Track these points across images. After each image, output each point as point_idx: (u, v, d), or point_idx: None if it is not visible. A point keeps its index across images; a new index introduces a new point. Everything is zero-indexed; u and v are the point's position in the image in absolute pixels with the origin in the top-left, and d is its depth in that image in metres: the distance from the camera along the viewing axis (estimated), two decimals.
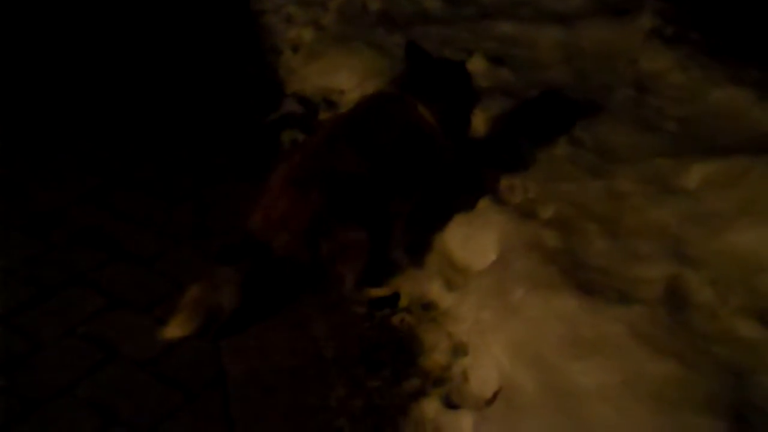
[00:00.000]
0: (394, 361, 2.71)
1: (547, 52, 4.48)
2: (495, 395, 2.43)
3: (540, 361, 2.39)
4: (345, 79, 4.39)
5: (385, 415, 2.51)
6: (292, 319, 2.90)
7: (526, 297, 2.59)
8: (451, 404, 2.49)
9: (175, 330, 2.71)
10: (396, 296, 2.95)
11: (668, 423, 2.14)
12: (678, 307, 2.52)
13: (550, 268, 2.71)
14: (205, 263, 2.95)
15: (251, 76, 4.73)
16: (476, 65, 4.18)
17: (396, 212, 3.00)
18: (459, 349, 2.69)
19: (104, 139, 4.07)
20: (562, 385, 2.30)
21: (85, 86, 4.63)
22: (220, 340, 2.77)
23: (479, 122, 3.70)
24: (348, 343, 2.79)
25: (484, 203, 3.16)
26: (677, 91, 3.98)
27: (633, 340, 2.37)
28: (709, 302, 2.55)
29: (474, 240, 3.02)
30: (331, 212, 2.80)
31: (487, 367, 2.51)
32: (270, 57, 4.98)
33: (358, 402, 2.55)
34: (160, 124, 4.22)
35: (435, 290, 2.92)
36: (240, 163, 3.83)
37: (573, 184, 3.22)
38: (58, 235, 3.32)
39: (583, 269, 2.72)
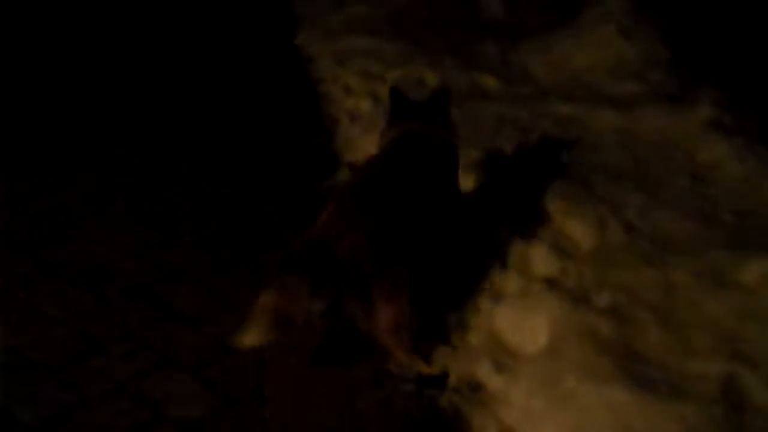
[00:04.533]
0: None
1: (603, 136, 4.49)
2: None
3: None
4: None
5: None
6: (340, 386, 2.89)
7: (578, 386, 2.56)
8: None
9: (250, 338, 2.66)
10: (444, 376, 2.92)
11: None
12: (734, 407, 2.47)
13: (603, 358, 2.68)
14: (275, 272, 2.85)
15: (309, 143, 4.79)
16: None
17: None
18: None
19: (162, 196, 4.14)
20: None
21: (148, 144, 4.73)
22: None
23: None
24: (394, 421, 2.76)
25: (536, 286, 3.15)
26: (734, 183, 3.96)
27: None
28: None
29: (525, 322, 2.99)
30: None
31: None
32: (328, 125, 5.06)
33: None
34: (220, 186, 4.29)
35: (484, 371, 2.89)
36: (295, 229, 3.86)
37: (628, 272, 3.19)
38: (111, 290, 3.36)
39: (637, 361, 2.68)
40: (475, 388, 2.87)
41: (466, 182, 3.92)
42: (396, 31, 6.48)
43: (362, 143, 4.66)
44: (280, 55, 6.34)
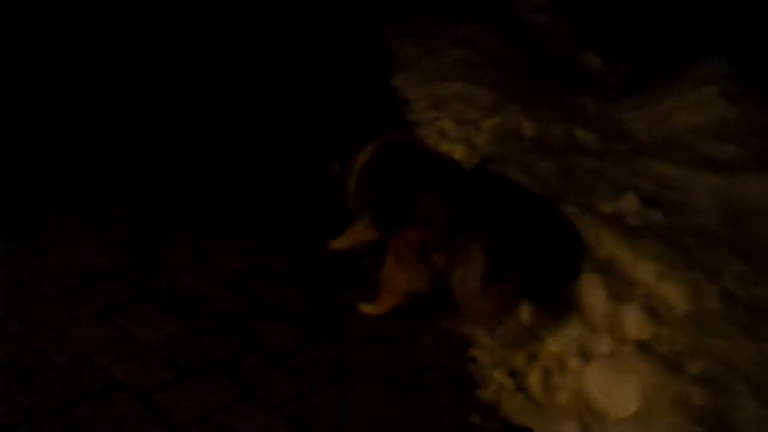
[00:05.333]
0: None
1: (703, 199, 4.39)
2: None
3: None
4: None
5: None
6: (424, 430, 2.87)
7: None
8: None
9: (378, 308, 3.47)
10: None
11: None
12: None
13: (695, 428, 2.60)
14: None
15: None
16: (628, 204, 4.14)
17: None
18: None
19: (254, 229, 4.21)
20: None
21: (241, 179, 4.84)
22: None
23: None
24: None
25: (628, 348, 3.08)
26: None
27: None
28: None
29: (615, 385, 2.92)
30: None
31: None
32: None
33: None
34: (310, 222, 4.33)
35: None
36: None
37: (724, 342, 3.09)
38: (200, 319, 3.41)
39: None
40: None
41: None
42: (491, 78, 6.48)
43: None
44: (376, 96, 6.39)
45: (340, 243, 4.03)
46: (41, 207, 4.28)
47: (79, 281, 3.63)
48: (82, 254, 3.86)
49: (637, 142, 5.14)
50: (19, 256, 3.81)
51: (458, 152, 5.11)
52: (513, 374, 3.17)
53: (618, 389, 2.90)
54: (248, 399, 2.96)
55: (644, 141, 5.15)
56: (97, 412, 2.83)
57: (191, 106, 6.00)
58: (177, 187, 4.63)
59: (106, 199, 4.44)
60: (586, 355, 3.13)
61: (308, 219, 4.38)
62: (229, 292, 3.63)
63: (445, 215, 3.34)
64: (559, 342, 3.27)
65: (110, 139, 5.29)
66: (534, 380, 3.12)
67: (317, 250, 4.02)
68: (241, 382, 3.04)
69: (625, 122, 5.53)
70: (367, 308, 3.54)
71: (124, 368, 3.07)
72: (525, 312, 3.38)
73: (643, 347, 3.09)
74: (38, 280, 3.62)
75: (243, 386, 3.02)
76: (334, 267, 3.89)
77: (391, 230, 3.55)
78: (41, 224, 4.11)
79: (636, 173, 4.65)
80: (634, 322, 3.26)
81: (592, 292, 3.46)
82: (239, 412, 2.88)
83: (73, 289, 3.57)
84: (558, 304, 3.47)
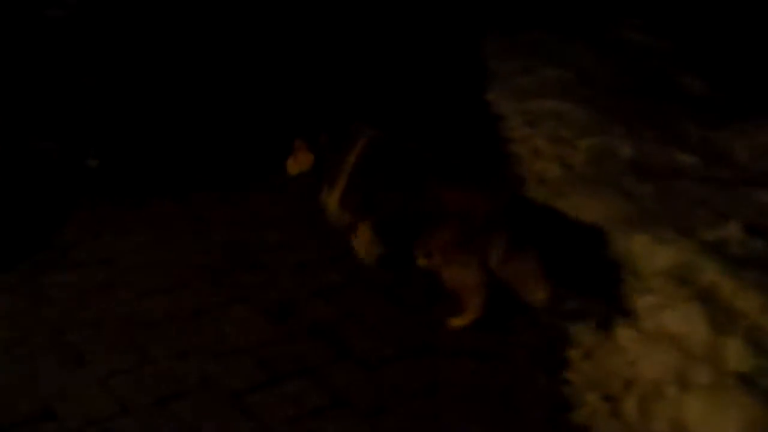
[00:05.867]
0: None
1: None
2: None
3: None
4: (589, 219, 4.34)
5: None
6: None
7: None
8: None
9: (466, 318, 3.48)
10: None
11: None
12: None
13: None
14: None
15: None
16: (730, 232, 4.03)
17: None
18: None
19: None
20: None
21: None
22: None
23: None
24: None
25: (729, 380, 2.99)
26: None
27: None
28: None
29: (715, 418, 2.83)
30: None
31: None
32: (514, 186, 5.03)
33: None
34: None
35: None
36: None
37: None
38: (293, 324, 3.45)
39: None
40: None
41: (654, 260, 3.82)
42: (588, 97, 6.39)
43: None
44: (469, 110, 6.37)
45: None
46: (141, 206, 4.40)
47: (177, 280, 3.71)
48: (180, 254, 3.96)
49: (741, 170, 5.00)
50: (118, 253, 3.92)
51: (552, 171, 5.07)
52: (608, 398, 3.10)
53: (718, 421, 2.82)
54: (339, 406, 2.97)
55: (750, 169, 5.00)
56: (192, 409, 2.89)
57: (292, 109, 6.06)
58: (275, 190, 4.67)
59: (205, 201, 4.54)
60: (684, 384, 3.05)
61: None
62: (322, 299, 3.66)
63: (484, 204, 3.46)
64: (655, 369, 3.19)
65: (212, 141, 5.39)
66: (629, 406, 3.05)
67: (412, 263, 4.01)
68: (332, 388, 3.06)
69: (727, 148, 5.38)
70: (456, 321, 3.52)
71: (218, 368, 3.12)
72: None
73: (745, 380, 3.00)
74: (137, 277, 3.72)
75: (334, 393, 3.03)
76: (427, 278, 3.88)
77: (402, 233, 3.64)
78: (141, 223, 4.23)
79: (739, 201, 4.52)
80: (735, 353, 3.15)
81: (691, 320, 3.37)
82: (330, 418, 2.90)
83: (170, 288, 3.66)
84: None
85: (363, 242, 3.84)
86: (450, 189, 3.52)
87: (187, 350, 3.22)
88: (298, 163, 3.92)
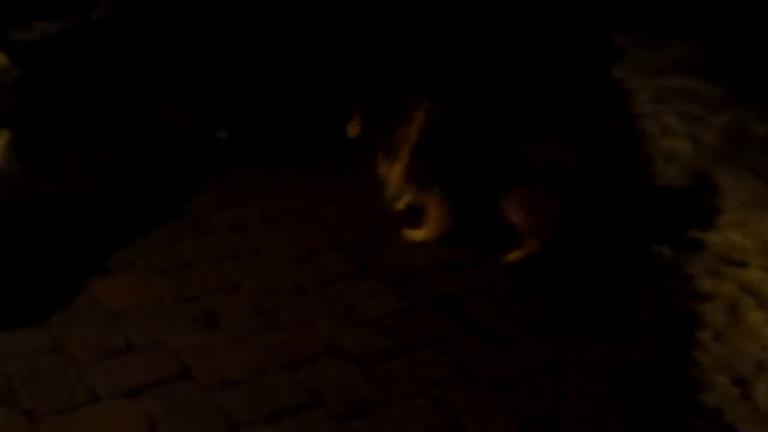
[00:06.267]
0: None
1: None
2: None
3: None
4: (722, 201, 4.22)
5: None
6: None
7: None
8: None
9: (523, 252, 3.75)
10: None
11: None
12: None
13: None
14: None
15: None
16: None
17: None
18: None
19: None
20: None
21: None
22: None
23: None
24: None
25: None
26: None
27: None
28: None
29: None
30: None
31: None
32: (640, 163, 4.92)
33: None
34: None
35: None
36: (598, 264, 3.83)
37: None
38: (419, 297, 3.48)
39: None
40: None
41: None
42: (720, 74, 6.18)
43: (678, 184, 4.50)
44: (597, 86, 6.25)
45: (420, 235, 3.96)
46: (271, 177, 4.51)
47: (305, 251, 3.80)
48: (307, 226, 4.04)
49: None
50: (251, 221, 4.05)
51: (683, 148, 4.94)
52: (738, 381, 3.02)
53: None
54: (465, 378, 3.00)
55: None
56: (320, 375, 2.96)
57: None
58: None
59: (334, 174, 4.63)
60: None
61: None
62: (448, 272, 3.68)
63: (574, 157, 3.66)
64: None
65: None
66: (761, 389, 2.97)
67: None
68: (458, 361, 3.08)
69: None
70: (513, 255, 3.76)
71: (345, 336, 3.19)
72: None
73: None
74: (267, 246, 3.83)
75: (460, 366, 3.06)
76: (556, 258, 3.86)
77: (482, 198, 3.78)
78: (273, 193, 4.34)
79: None
80: None
81: None
82: (457, 390, 2.92)
83: (299, 258, 3.75)
84: None
85: (436, 218, 3.90)
86: (541, 144, 3.68)
87: (314, 318, 3.30)
88: (354, 128, 4.04)
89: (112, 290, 3.39)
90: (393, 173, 3.90)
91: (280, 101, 5.34)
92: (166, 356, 3.01)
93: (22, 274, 3.37)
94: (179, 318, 3.25)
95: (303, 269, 3.65)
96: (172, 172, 4.42)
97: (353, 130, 4.05)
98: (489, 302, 3.48)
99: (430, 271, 3.68)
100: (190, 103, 4.86)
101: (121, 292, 3.38)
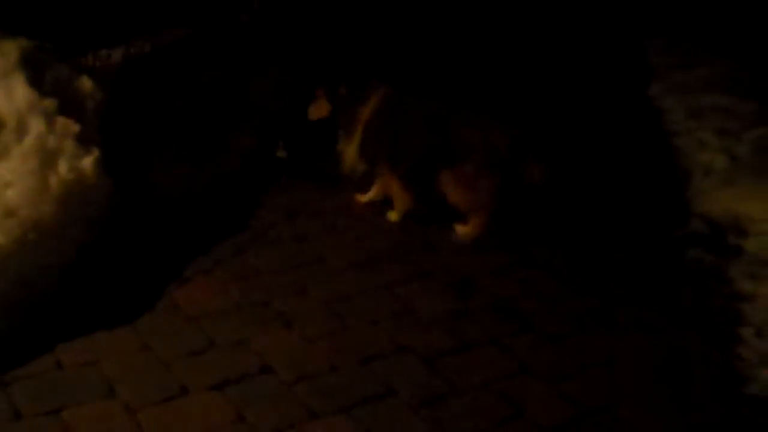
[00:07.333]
0: None
1: None
2: None
3: None
4: (757, 208, 4.40)
5: None
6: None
7: None
8: None
9: (475, 230, 4.19)
10: None
11: None
12: None
13: None
14: None
15: (660, 192, 4.91)
16: None
17: None
18: None
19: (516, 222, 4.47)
20: None
21: None
22: None
23: None
24: None
25: None
26: None
27: None
28: None
29: None
30: None
31: None
32: (679, 177, 5.12)
33: None
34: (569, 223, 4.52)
35: None
36: (641, 268, 4.07)
37: None
38: (476, 299, 3.72)
39: None
40: None
41: None
42: (753, 90, 6.36)
43: (715, 197, 4.67)
44: (631, 104, 6.47)
45: (366, 197, 4.54)
46: (331, 192, 4.74)
47: (366, 258, 4.04)
48: (366, 235, 4.29)
49: None
50: (312, 233, 4.29)
51: (719, 162, 5.12)
52: None
53: None
54: (524, 372, 3.22)
55: None
56: (390, 370, 3.19)
57: None
58: None
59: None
60: None
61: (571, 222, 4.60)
62: (502, 277, 3.92)
63: (505, 140, 4.04)
64: None
65: None
66: None
67: (579, 248, 4.24)
68: (517, 358, 3.31)
69: None
70: (463, 230, 4.20)
71: (409, 335, 3.42)
72: None
73: None
74: (330, 254, 4.08)
75: (520, 362, 3.28)
76: (597, 262, 4.08)
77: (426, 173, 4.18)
78: (331, 207, 4.58)
79: None
80: None
81: None
82: (518, 384, 3.15)
83: (360, 265, 3.99)
84: None
85: (398, 199, 4.37)
86: (476, 128, 4.11)
87: (379, 319, 3.54)
88: (318, 110, 4.51)
89: (190, 296, 3.64)
90: (348, 150, 4.40)
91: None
92: (246, 354, 3.26)
93: (111, 282, 3.65)
94: (255, 320, 3.49)
95: (364, 275, 3.90)
96: (239, 187, 4.68)
97: (317, 111, 4.54)
98: (541, 302, 3.72)
99: (483, 275, 3.92)
100: (251, 126, 5.13)
101: (198, 297, 3.63)
